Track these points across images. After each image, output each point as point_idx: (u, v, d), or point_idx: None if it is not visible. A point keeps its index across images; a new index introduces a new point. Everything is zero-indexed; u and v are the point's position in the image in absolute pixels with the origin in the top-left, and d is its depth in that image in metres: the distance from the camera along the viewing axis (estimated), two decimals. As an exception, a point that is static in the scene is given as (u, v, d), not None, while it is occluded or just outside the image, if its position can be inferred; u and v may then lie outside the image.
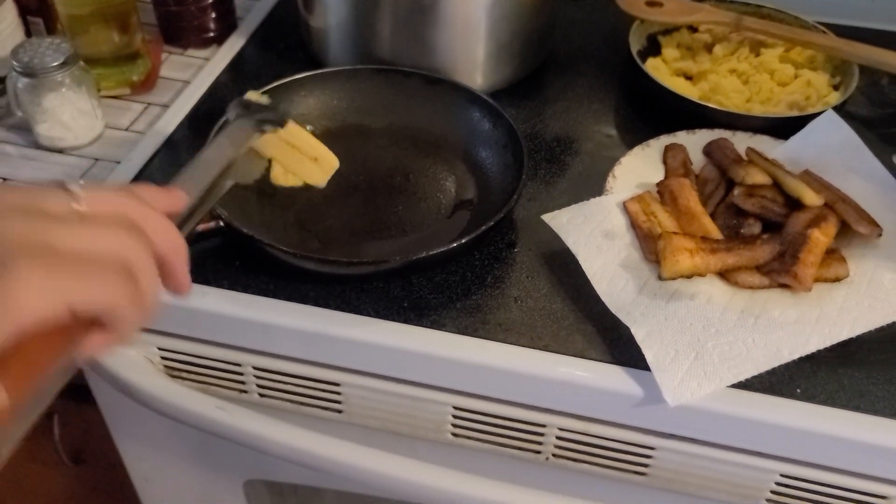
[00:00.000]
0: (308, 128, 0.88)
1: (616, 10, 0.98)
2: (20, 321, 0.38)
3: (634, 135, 0.91)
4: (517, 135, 0.81)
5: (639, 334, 0.66)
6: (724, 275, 0.71)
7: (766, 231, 0.75)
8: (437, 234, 0.78)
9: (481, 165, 0.84)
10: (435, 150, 0.87)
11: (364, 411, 0.76)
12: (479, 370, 0.69)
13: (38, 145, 0.89)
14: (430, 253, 0.70)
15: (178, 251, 0.48)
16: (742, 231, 0.75)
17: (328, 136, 0.87)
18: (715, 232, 0.74)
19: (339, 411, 0.77)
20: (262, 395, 0.78)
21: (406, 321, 0.71)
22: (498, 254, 0.77)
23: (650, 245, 0.73)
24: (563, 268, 0.74)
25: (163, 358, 0.78)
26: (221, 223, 0.72)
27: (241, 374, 0.77)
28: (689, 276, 0.70)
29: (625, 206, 0.77)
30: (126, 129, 0.92)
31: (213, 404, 0.74)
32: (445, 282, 0.74)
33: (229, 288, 0.73)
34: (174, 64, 1.02)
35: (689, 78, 0.98)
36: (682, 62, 0.99)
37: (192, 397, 0.74)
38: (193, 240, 0.71)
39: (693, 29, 1.03)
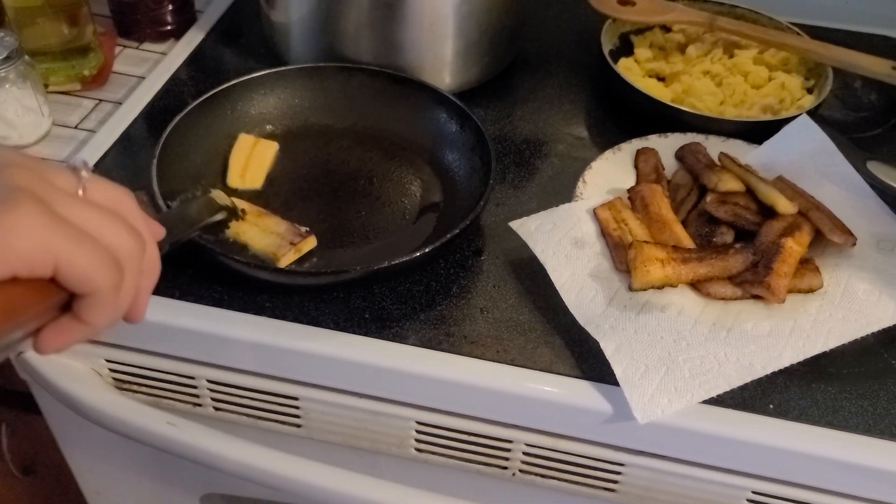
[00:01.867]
0: (268, 128, 0.84)
1: (588, 9, 0.95)
2: (12, 258, 0.38)
3: (606, 137, 0.88)
4: (485, 137, 0.78)
5: (608, 348, 0.64)
6: (696, 285, 0.69)
7: (739, 240, 0.72)
8: (402, 241, 0.75)
9: (448, 169, 0.81)
10: (400, 153, 0.83)
11: (324, 426, 0.73)
12: (442, 385, 0.66)
13: (-18, 143, 0.84)
14: (393, 263, 0.67)
15: (153, 273, 0.49)
16: (714, 240, 0.73)
17: (289, 137, 0.84)
18: (687, 240, 0.72)
19: (298, 426, 0.74)
20: (217, 409, 0.75)
21: (367, 333, 0.68)
22: (464, 262, 0.74)
23: (621, 254, 0.70)
24: (532, 277, 0.72)
25: (111, 370, 0.74)
26: (172, 230, 0.68)
27: (194, 387, 0.73)
28: (660, 287, 0.68)
29: (595, 213, 0.75)
30: (75, 127, 0.88)
31: (164, 419, 0.70)
32: (409, 292, 0.71)
33: (180, 298, 0.69)
34: (128, 58, 0.98)
35: (661, 79, 0.96)
36: (655, 63, 0.97)
37: (141, 412, 0.71)
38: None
39: (666, 29, 1.01)
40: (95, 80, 0.93)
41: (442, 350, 0.67)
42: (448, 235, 0.69)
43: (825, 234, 0.71)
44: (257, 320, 0.68)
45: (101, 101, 0.92)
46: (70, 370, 0.73)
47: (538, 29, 1.04)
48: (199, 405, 0.75)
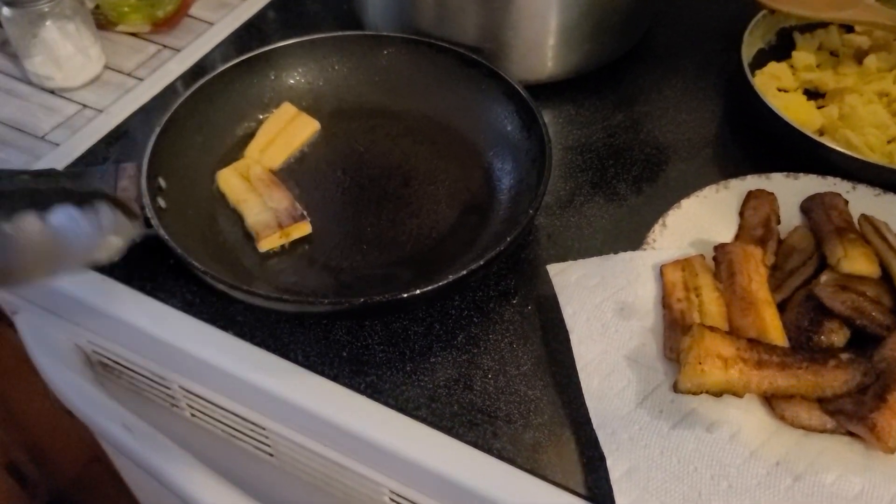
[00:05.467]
0: (314, 101, 0.73)
1: (742, -7, 0.75)
2: None
3: (721, 166, 0.69)
4: (546, 149, 0.62)
5: (616, 469, 0.48)
6: (770, 400, 0.51)
7: (853, 346, 0.52)
8: (415, 263, 0.62)
9: (500, 179, 0.66)
10: (452, 151, 0.69)
11: (294, 462, 0.63)
12: (410, 465, 0.53)
13: (30, 81, 0.80)
14: (390, 297, 0.54)
15: None
16: (817, 338, 0.53)
17: (335, 116, 0.73)
18: (776, 333, 0.53)
19: (270, 454, 0.64)
20: (193, 416, 0.67)
21: (337, 378, 0.56)
22: (483, 304, 0.60)
23: (675, 336, 0.53)
24: (560, 340, 0.56)
25: (95, 352, 0.68)
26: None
27: (169, 388, 0.65)
28: (717, 394, 0.50)
29: (661, 272, 0.57)
30: (128, 74, 0.81)
31: (121, 420, 0.62)
32: (404, 332, 0.58)
33: (151, 293, 0.60)
34: (208, 2, 0.89)
35: (820, 95, 0.74)
36: (817, 72, 0.75)
37: (101, 407, 0.64)
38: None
39: (848, 28, 0.78)
40: (167, 22, 0.86)
41: (418, 419, 0.54)
42: (463, 271, 0.55)
43: (985, 363, 0.50)
44: (220, 338, 0.58)
45: (164, 47, 0.84)
46: (54, 343, 0.67)
47: (674, 12, 0.84)
48: (176, 406, 0.67)
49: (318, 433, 0.57)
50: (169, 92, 0.77)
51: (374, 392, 0.55)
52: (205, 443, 0.68)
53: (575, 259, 0.59)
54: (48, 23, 0.74)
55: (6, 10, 0.74)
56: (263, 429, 0.61)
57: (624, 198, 0.67)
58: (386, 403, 0.54)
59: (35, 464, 1.25)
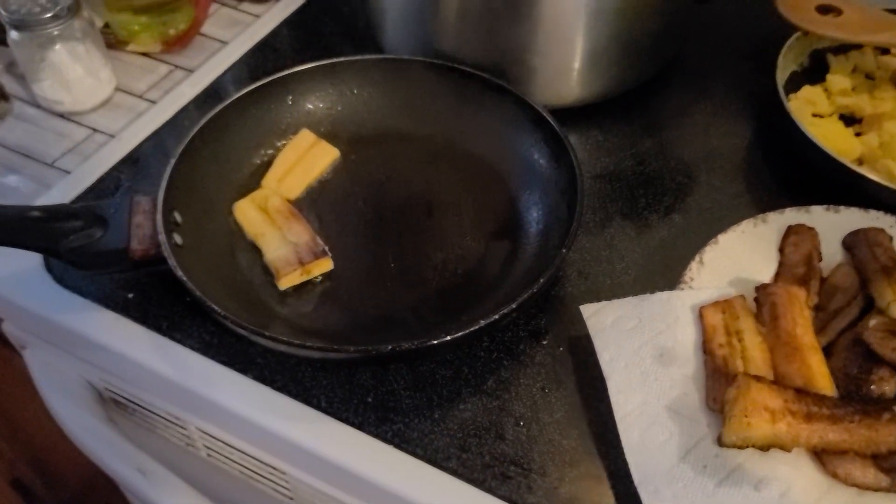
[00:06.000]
0: (333, 127, 0.70)
1: (776, 14, 0.72)
2: None
3: (757, 197, 0.67)
4: (577, 180, 0.60)
5: (660, 532, 0.45)
6: (820, 456, 0.48)
7: (906, 397, 0.50)
8: (441, 303, 0.59)
9: (528, 212, 0.64)
10: (477, 181, 0.67)
11: (315, 508, 0.60)
12: (438, 518, 0.51)
13: (38, 105, 0.77)
14: (418, 344, 0.52)
15: None
16: (868, 388, 0.50)
17: (355, 142, 0.70)
18: (824, 382, 0.50)
19: (290, 498, 0.62)
20: (209, 456, 0.64)
21: (362, 426, 0.53)
22: (513, 346, 0.57)
23: (718, 385, 0.51)
24: (595, 385, 0.54)
25: (108, 389, 0.66)
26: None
27: (185, 428, 0.63)
28: (764, 449, 0.47)
29: (701, 314, 0.55)
30: (140, 96, 0.79)
31: (135, 465, 0.60)
32: (431, 376, 0.56)
33: (166, 333, 0.58)
34: (221, 19, 0.87)
35: (857, 121, 0.71)
36: (853, 97, 0.72)
37: (116, 448, 0.61)
38: (140, 264, 0.57)
39: (883, 51, 0.75)
40: (179, 41, 0.84)
41: (448, 471, 0.51)
42: (495, 315, 0.52)
43: None
44: (239, 382, 0.55)
45: (176, 67, 0.82)
46: (65, 379, 0.65)
47: (703, 33, 0.81)
48: (193, 447, 0.65)
49: (341, 481, 0.55)
50: (182, 116, 0.74)
51: (401, 441, 0.52)
52: (220, 482, 0.66)
53: (607, 297, 0.56)
54: (57, 46, 0.72)
55: (14, 34, 0.71)
56: (283, 473, 0.59)
57: (656, 229, 0.64)
58: (414, 454, 0.52)
59: (40, 479, 1.23)
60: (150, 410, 0.64)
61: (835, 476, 0.47)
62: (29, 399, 0.96)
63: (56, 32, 0.71)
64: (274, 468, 0.59)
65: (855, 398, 0.50)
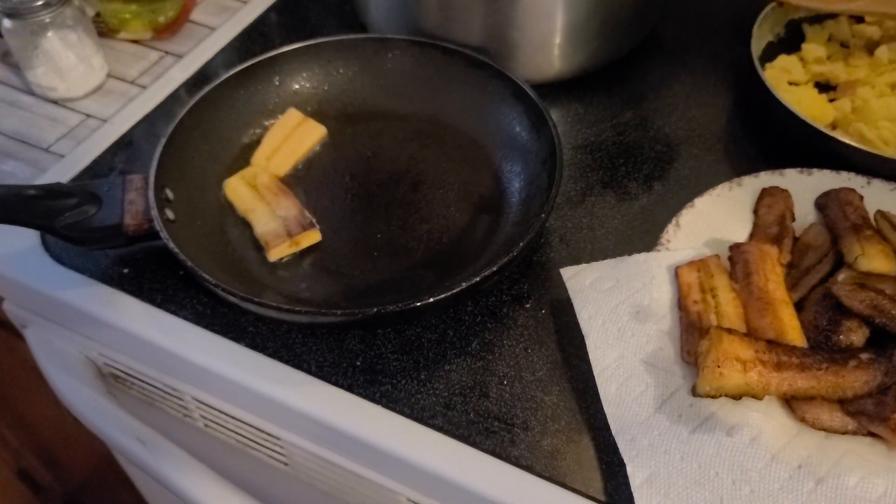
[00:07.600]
0: (319, 106, 0.72)
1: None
2: None
3: (734, 163, 0.68)
4: (556, 150, 0.62)
5: (636, 477, 0.47)
6: (790, 402, 0.50)
7: (873, 346, 0.52)
8: (426, 270, 0.61)
9: (510, 183, 0.66)
10: (461, 155, 0.69)
11: (309, 472, 0.62)
12: (427, 474, 0.52)
13: (32, 92, 0.79)
14: (402, 306, 0.54)
15: None
16: (836, 338, 0.52)
17: (341, 120, 0.72)
18: (795, 334, 0.52)
19: (285, 464, 0.64)
20: (206, 426, 0.66)
21: (351, 388, 0.55)
22: (497, 309, 0.59)
23: (692, 339, 0.52)
24: (576, 344, 0.56)
25: (106, 364, 0.68)
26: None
27: (181, 399, 0.65)
28: (736, 397, 0.49)
29: (676, 273, 0.56)
30: (131, 82, 0.80)
31: (134, 434, 0.62)
32: (417, 339, 0.58)
33: (160, 305, 0.60)
34: (209, 6, 0.89)
35: (831, 87, 0.73)
36: (828, 65, 0.74)
37: (115, 420, 0.63)
38: (134, 239, 0.59)
39: (858, 19, 0.77)
40: (169, 28, 0.85)
41: (435, 427, 0.53)
42: (476, 278, 0.54)
43: None
44: (232, 350, 0.57)
45: (166, 53, 0.83)
46: (65, 355, 0.67)
47: (681, 6, 0.83)
48: (189, 417, 0.67)
49: (333, 443, 0.57)
50: (172, 100, 0.76)
51: (389, 401, 0.54)
52: (218, 452, 0.68)
53: (588, 261, 0.58)
54: (50, 33, 0.74)
55: (7, 22, 0.73)
56: (278, 438, 0.61)
57: (636, 197, 0.66)
58: (402, 412, 0.54)
59: (47, 469, 1.25)
60: (147, 383, 0.66)
61: (803, 421, 0.49)
62: (35, 389, 0.98)
63: (48, 20, 0.73)
64: (269, 434, 0.61)
65: (824, 348, 0.52)
